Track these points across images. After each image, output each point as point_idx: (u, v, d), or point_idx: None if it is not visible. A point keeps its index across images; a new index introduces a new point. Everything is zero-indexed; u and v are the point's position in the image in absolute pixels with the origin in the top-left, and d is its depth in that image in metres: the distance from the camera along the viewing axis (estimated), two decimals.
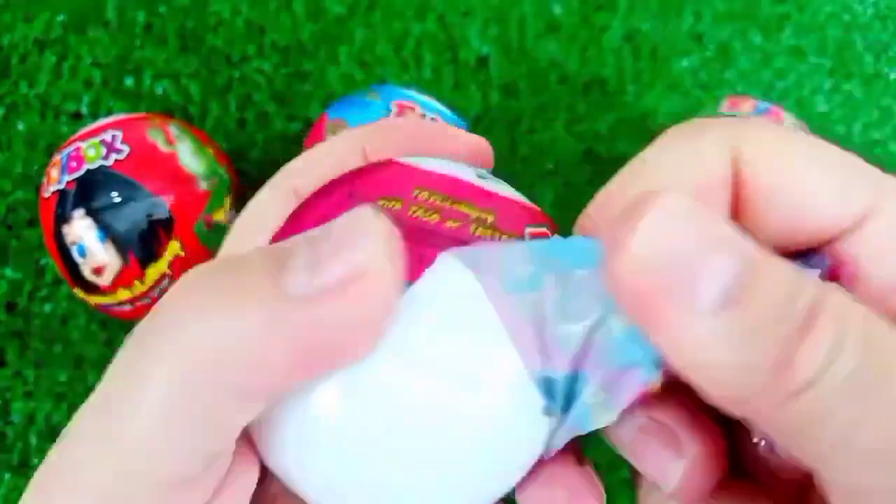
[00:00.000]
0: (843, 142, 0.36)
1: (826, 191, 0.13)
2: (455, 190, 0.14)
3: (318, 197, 0.15)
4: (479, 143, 0.16)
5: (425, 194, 0.14)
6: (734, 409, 0.12)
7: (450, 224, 0.14)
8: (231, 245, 0.16)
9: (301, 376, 0.13)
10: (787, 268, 0.11)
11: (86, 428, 0.13)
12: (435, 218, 0.14)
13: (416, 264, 0.13)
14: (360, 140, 0.17)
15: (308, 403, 0.13)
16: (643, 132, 0.35)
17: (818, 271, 0.13)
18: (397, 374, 0.13)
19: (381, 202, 0.14)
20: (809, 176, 0.13)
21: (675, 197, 0.11)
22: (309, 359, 0.12)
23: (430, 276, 0.13)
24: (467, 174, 0.15)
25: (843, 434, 0.11)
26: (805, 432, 0.11)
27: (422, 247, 0.13)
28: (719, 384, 0.11)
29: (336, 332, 0.12)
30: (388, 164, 0.15)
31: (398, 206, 0.14)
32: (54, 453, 0.13)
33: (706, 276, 0.11)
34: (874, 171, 0.13)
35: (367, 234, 0.12)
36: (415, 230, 0.13)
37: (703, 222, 0.11)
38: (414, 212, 0.14)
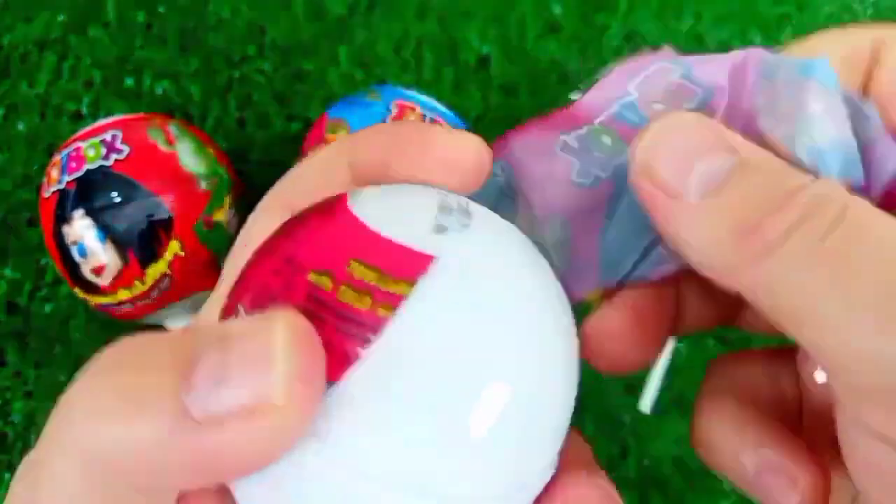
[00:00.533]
0: None
1: None
2: (394, 265, 0.13)
3: (260, 258, 0.14)
4: (469, 152, 0.16)
5: (360, 270, 0.13)
6: (726, 283, 0.13)
7: (381, 312, 0.13)
8: (228, 279, 0.16)
9: (202, 484, 0.13)
10: (776, 164, 0.13)
11: None
12: (366, 303, 0.13)
13: (338, 363, 0.12)
14: (345, 153, 0.17)
15: (236, 491, 0.13)
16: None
17: (872, 117, 0.15)
18: (320, 469, 0.13)
19: (311, 276, 0.13)
20: None
21: (678, 114, 0.14)
22: (207, 473, 0.12)
23: (352, 375, 0.12)
24: (421, 227, 0.13)
25: (812, 296, 0.12)
26: (782, 293, 0.12)
27: (346, 341, 0.12)
28: (708, 258, 0.13)
29: (234, 456, 0.12)
30: (336, 211, 0.14)
31: (328, 285, 0.13)
32: None
33: (694, 171, 0.13)
34: None
35: (276, 357, 0.12)
36: (342, 319, 0.13)
37: (698, 130, 0.14)
38: (343, 294, 0.13)
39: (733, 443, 0.17)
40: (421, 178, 0.16)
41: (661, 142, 0.14)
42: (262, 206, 0.17)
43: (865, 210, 0.13)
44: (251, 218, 0.17)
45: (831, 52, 0.15)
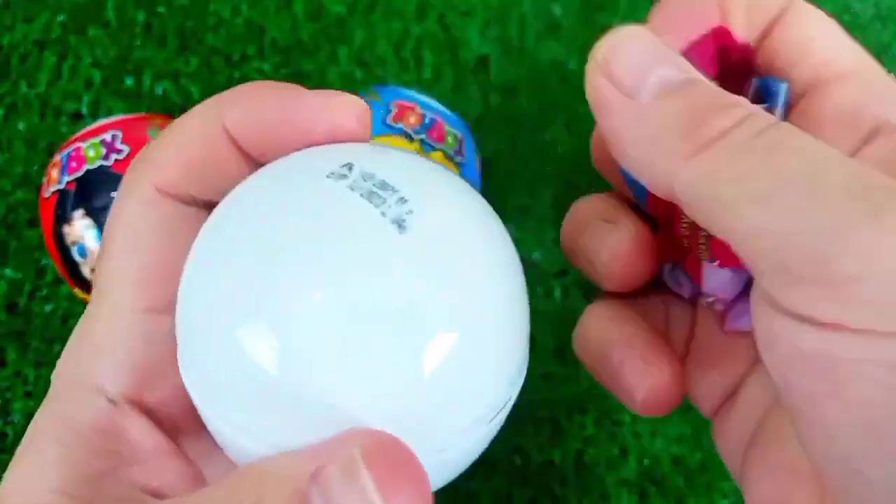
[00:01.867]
0: None
1: (825, 45, 0.17)
2: None
3: None
4: (349, 110, 0.17)
5: None
6: (661, 184, 0.15)
7: None
8: (110, 281, 0.17)
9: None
10: (717, 88, 0.15)
11: None
12: None
13: None
14: (218, 113, 0.17)
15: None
16: None
17: (781, 93, 0.17)
18: None
19: None
20: (819, 32, 0.17)
21: (636, 27, 0.16)
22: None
23: None
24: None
25: (739, 183, 0.13)
26: (714, 184, 0.14)
27: None
28: (649, 156, 0.15)
29: None
30: None
31: None
32: None
33: (650, 75, 0.15)
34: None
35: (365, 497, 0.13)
36: None
37: (655, 44, 0.15)
38: None
39: (609, 333, 0.19)
40: (314, 138, 0.16)
41: (621, 46, 0.15)
42: (127, 187, 0.17)
43: (793, 127, 0.14)
44: (117, 204, 0.17)
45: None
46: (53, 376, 0.17)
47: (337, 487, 0.13)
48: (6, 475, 0.15)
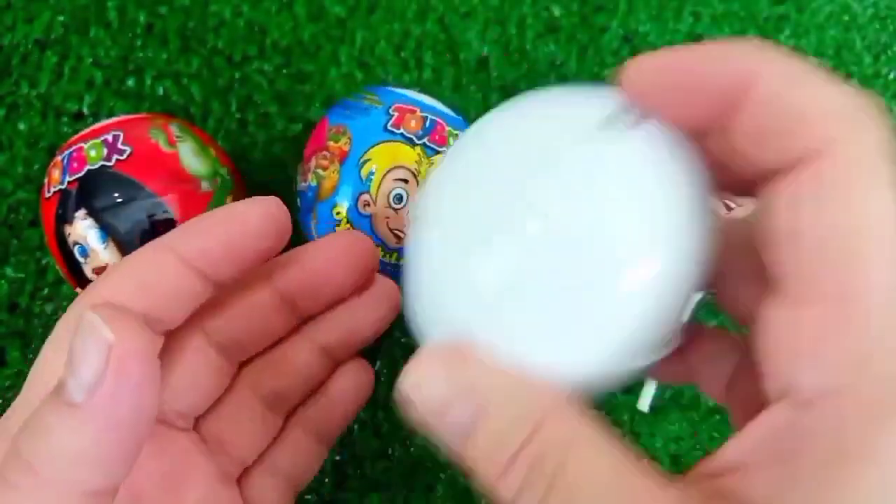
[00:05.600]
0: None
1: (812, 110, 0.14)
2: None
3: None
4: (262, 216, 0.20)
5: None
6: None
7: None
8: (39, 373, 0.19)
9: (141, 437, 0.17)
10: (509, 405, 0.15)
11: None
12: None
13: None
14: (169, 248, 0.19)
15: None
16: None
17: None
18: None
19: None
20: (814, 97, 0.14)
21: (428, 357, 0.16)
22: (129, 440, 0.16)
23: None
24: None
25: None
26: None
27: None
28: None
29: (129, 392, 0.16)
30: None
31: None
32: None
33: (448, 421, 0.15)
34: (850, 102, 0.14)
35: (94, 328, 0.16)
36: None
37: (446, 379, 0.15)
38: None
39: None
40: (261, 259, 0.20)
41: (416, 396, 0.16)
42: (71, 310, 0.20)
43: (582, 462, 0.14)
44: (59, 324, 0.20)
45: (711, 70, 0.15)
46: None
47: (78, 338, 0.16)
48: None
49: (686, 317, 0.17)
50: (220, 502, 0.23)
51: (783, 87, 0.14)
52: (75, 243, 0.27)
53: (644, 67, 0.15)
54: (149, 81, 0.36)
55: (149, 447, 0.20)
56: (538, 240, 0.15)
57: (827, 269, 0.13)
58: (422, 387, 0.15)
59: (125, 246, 0.27)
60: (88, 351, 0.15)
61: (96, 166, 0.27)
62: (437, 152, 0.29)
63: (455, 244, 0.16)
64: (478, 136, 0.18)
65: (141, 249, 0.19)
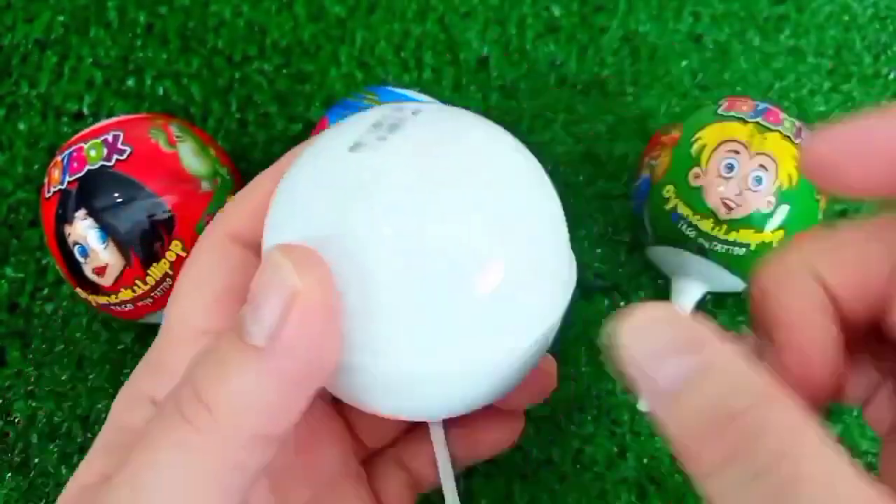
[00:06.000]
0: None
1: None
2: None
3: None
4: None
5: None
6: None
7: None
8: (177, 310, 0.20)
9: (306, 395, 0.16)
10: (733, 369, 0.14)
11: None
12: None
13: None
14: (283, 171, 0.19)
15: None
16: (642, 133, 0.35)
17: None
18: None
19: None
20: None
21: (649, 308, 0.15)
22: (300, 380, 0.16)
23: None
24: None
25: None
26: None
27: None
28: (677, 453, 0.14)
29: (304, 349, 0.15)
30: None
31: None
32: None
33: (661, 371, 0.14)
34: None
35: (284, 266, 0.15)
36: None
37: (666, 328, 0.15)
38: None
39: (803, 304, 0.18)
40: None
41: (634, 337, 0.15)
42: (205, 235, 0.20)
43: (805, 451, 0.13)
44: (195, 252, 0.20)
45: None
46: (118, 395, 0.20)
47: (263, 279, 0.15)
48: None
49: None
50: (348, 474, 0.23)
51: None
52: (75, 243, 0.27)
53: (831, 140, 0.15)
54: (149, 81, 0.36)
55: None
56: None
57: None
58: (643, 331, 0.15)
59: (125, 246, 0.27)
60: (272, 295, 0.15)
61: (96, 166, 0.27)
62: None
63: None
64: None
65: (262, 177, 0.21)
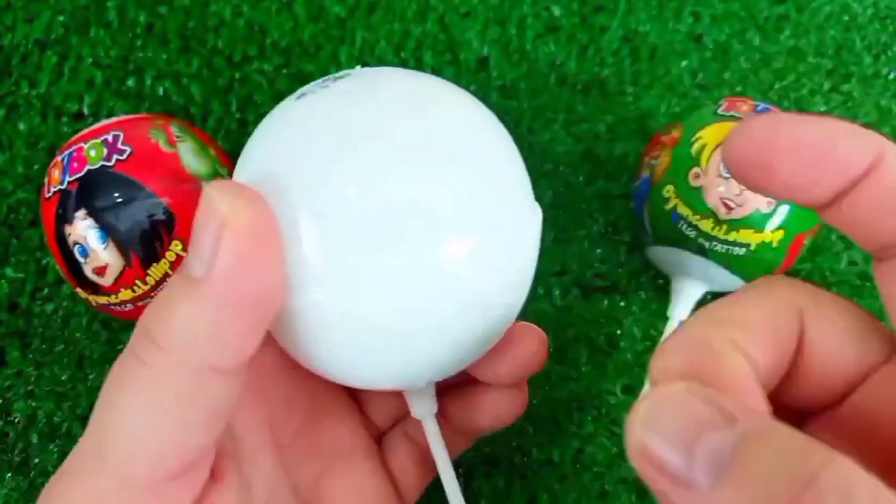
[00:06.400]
0: None
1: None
2: None
3: None
4: None
5: None
6: None
7: None
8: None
9: (254, 325, 0.16)
10: (789, 434, 0.12)
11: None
12: None
13: None
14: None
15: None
16: (642, 133, 0.35)
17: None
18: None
19: None
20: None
21: (667, 386, 0.13)
22: (244, 307, 0.16)
23: None
24: None
25: None
26: None
27: None
28: None
29: (248, 276, 0.16)
30: None
31: None
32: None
33: (696, 453, 0.12)
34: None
35: (216, 199, 0.15)
36: None
37: (689, 403, 0.12)
38: None
39: None
40: None
41: (654, 421, 0.12)
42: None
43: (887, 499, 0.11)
44: None
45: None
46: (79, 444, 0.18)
47: (198, 214, 0.16)
48: None
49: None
50: (359, 449, 0.23)
51: None
52: (75, 243, 0.27)
53: (753, 136, 0.15)
54: (149, 81, 0.36)
55: (295, 382, 0.21)
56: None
57: None
58: (667, 410, 0.12)
59: (125, 246, 0.27)
60: (205, 228, 0.15)
61: (96, 166, 0.27)
62: None
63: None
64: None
65: None
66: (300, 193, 0.16)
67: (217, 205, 0.15)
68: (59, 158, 0.28)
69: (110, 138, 0.28)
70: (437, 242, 0.16)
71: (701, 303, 0.31)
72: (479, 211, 0.17)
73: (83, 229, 0.27)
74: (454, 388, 0.24)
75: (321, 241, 0.16)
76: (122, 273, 0.27)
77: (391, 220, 0.16)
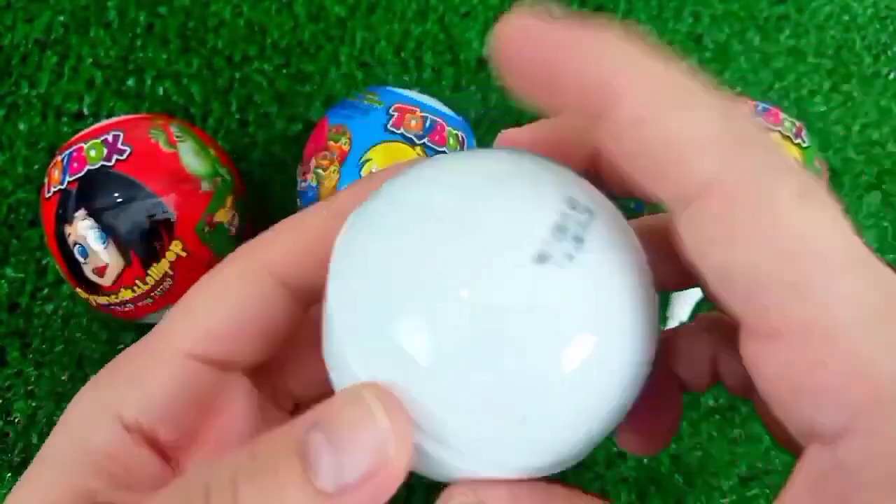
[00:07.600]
0: (842, 142, 0.36)
1: (693, 145, 0.13)
2: None
3: None
4: None
5: None
6: None
7: None
8: (171, 325, 0.18)
9: None
10: None
11: None
12: None
13: None
14: (334, 216, 0.17)
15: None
16: None
17: None
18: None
19: None
20: (683, 125, 0.13)
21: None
22: None
23: None
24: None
25: None
26: None
27: None
28: None
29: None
30: None
31: None
32: None
33: None
34: (740, 127, 0.13)
35: (378, 417, 0.13)
36: None
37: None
38: None
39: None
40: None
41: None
42: (235, 257, 0.18)
43: None
44: (221, 265, 0.18)
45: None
46: (79, 394, 0.17)
47: (342, 413, 0.13)
48: (14, 489, 0.16)
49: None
50: (270, 425, 0.21)
51: (650, 115, 0.13)
52: (75, 243, 0.27)
53: (515, 40, 0.14)
54: (149, 81, 0.36)
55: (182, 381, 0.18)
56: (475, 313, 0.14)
57: (778, 299, 0.12)
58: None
59: (125, 246, 0.27)
60: (359, 449, 0.13)
61: (96, 166, 0.27)
62: (437, 152, 0.29)
63: (384, 300, 0.14)
64: (410, 187, 0.16)
65: (306, 215, 0.18)
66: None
67: (381, 437, 0.13)
68: (59, 158, 0.28)
69: (110, 138, 0.28)
70: None
71: (701, 303, 0.31)
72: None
73: (83, 229, 0.27)
74: None
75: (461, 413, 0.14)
76: (122, 273, 0.27)
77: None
